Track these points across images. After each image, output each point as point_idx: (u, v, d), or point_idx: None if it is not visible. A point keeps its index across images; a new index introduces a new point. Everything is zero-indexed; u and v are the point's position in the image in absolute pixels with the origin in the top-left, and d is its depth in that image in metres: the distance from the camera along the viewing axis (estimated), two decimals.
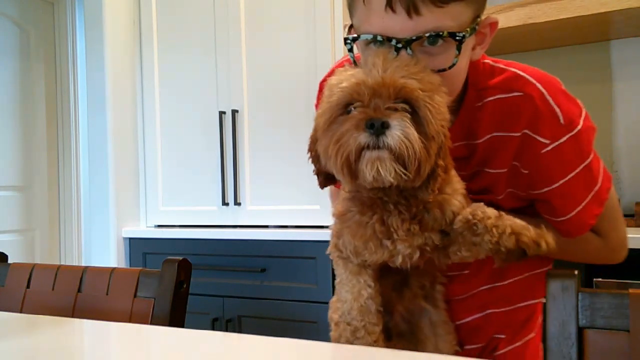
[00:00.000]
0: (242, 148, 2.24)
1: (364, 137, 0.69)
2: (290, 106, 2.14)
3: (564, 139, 0.82)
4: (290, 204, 2.14)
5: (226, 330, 2.12)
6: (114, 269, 1.15)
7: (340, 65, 0.97)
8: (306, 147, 0.82)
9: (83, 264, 2.56)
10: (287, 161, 2.14)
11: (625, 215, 1.88)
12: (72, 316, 1.14)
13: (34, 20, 3.41)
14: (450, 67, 0.77)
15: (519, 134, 0.84)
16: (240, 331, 2.11)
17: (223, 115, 2.26)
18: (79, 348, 0.83)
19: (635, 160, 2.03)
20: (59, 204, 3.56)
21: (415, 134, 0.69)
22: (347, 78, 0.73)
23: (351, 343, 0.80)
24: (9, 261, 1.29)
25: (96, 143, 2.41)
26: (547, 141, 0.82)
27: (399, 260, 0.79)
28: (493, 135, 0.87)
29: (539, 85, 0.83)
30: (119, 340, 0.85)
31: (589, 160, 0.85)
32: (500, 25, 1.73)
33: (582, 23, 1.82)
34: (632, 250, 1.51)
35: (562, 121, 0.82)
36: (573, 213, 0.87)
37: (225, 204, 2.26)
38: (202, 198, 2.33)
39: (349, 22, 0.84)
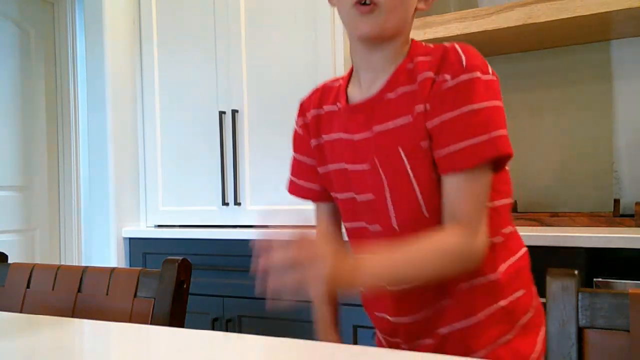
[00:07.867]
0: (242, 148, 2.24)
1: None
2: (291, 106, 2.13)
3: (462, 77, 0.89)
4: (290, 204, 2.13)
5: (226, 330, 2.12)
6: (114, 269, 1.15)
7: (317, 91, 1.13)
8: None
9: (83, 264, 2.56)
10: (287, 161, 2.13)
11: (626, 215, 1.88)
12: (72, 316, 1.14)
13: (34, 20, 3.41)
14: None
15: (431, 76, 0.92)
16: (240, 331, 2.10)
17: (223, 115, 2.26)
18: (79, 348, 0.83)
19: (635, 160, 2.02)
20: (59, 204, 3.56)
21: None
22: None
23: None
24: (9, 261, 1.29)
25: (96, 143, 2.41)
26: (448, 77, 0.90)
27: None
28: (406, 90, 0.95)
29: (455, 45, 0.93)
30: (119, 340, 0.85)
31: (478, 105, 0.88)
32: (500, 25, 1.72)
33: (582, 23, 1.81)
34: (632, 251, 1.51)
35: (464, 64, 0.89)
36: (448, 150, 0.89)
37: (225, 204, 2.26)
38: (202, 198, 2.33)
39: None
